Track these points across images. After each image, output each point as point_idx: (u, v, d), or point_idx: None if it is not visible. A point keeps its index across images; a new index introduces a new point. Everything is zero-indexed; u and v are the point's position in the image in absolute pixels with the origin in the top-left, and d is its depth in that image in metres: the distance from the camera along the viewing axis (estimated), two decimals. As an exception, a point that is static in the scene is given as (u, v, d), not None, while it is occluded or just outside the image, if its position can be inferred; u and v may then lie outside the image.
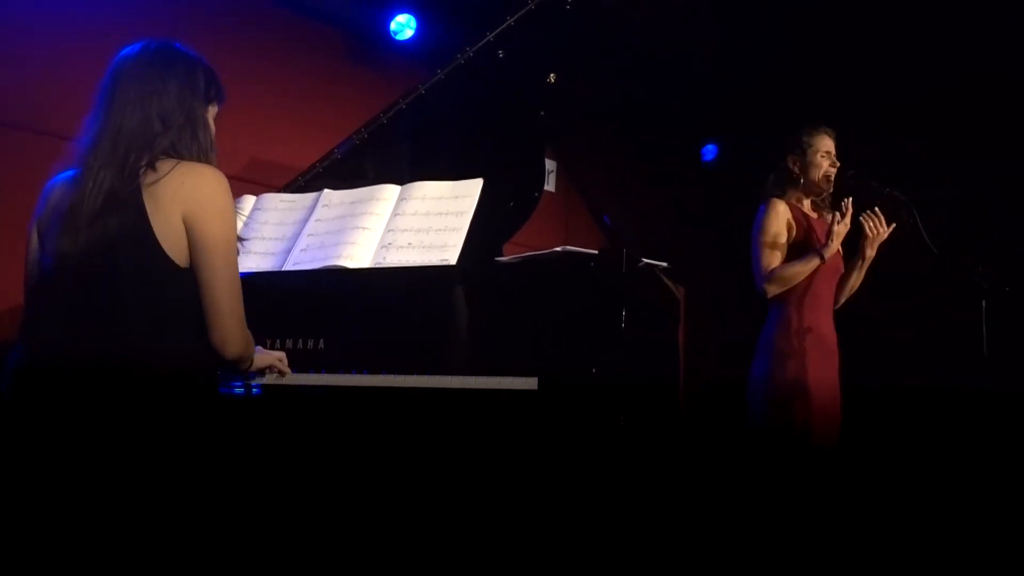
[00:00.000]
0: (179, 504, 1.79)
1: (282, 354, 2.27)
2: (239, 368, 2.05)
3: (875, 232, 3.11)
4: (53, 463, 1.75)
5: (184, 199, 1.83)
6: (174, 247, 1.84)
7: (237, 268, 1.93)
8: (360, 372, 2.35)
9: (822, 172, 3.19)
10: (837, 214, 3.01)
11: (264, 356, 2.22)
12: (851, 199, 3.04)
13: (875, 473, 3.98)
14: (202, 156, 1.92)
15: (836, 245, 3.05)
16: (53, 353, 1.81)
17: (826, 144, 3.21)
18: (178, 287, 1.85)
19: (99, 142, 1.87)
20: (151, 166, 1.84)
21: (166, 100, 1.90)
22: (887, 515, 3.82)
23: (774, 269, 3.08)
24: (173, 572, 1.77)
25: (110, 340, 1.80)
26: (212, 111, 2.02)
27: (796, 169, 3.21)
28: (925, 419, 4.31)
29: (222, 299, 1.88)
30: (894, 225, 3.13)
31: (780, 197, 3.19)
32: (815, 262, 3.04)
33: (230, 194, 1.91)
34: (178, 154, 1.88)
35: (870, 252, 3.17)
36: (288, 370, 2.27)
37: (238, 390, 2.36)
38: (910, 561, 3.61)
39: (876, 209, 3.10)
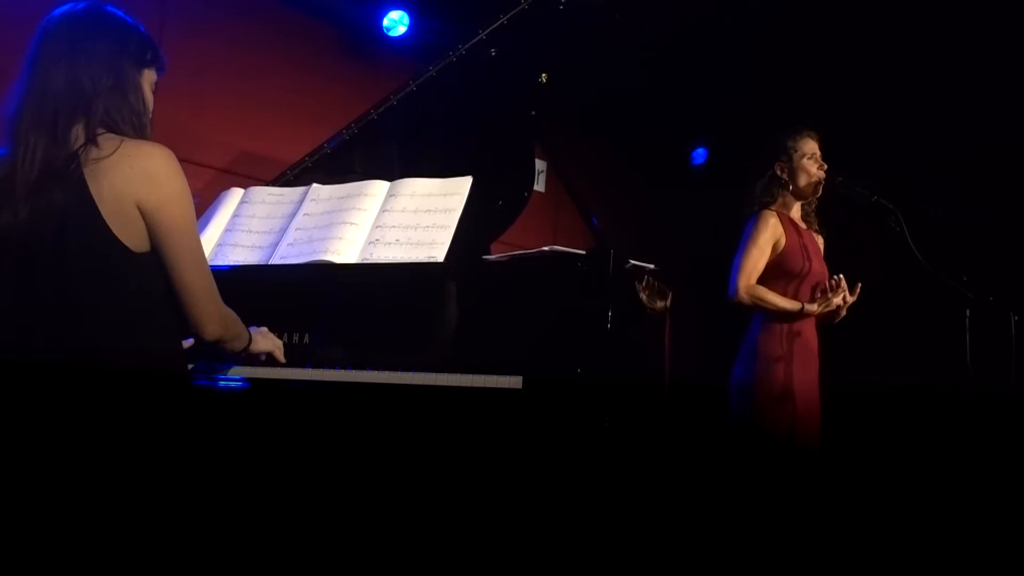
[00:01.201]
0: (146, 507, 1.74)
1: (280, 343, 2.25)
2: (230, 349, 2.01)
3: (845, 303, 3.11)
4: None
5: (137, 186, 1.77)
6: (126, 231, 1.77)
7: (202, 247, 1.89)
8: (345, 368, 2.34)
9: (811, 177, 3.19)
10: (836, 279, 3.02)
11: (266, 339, 2.19)
12: (842, 278, 3.05)
13: (856, 475, 4.00)
14: (136, 123, 1.84)
15: (820, 310, 3.05)
16: None
17: (811, 147, 3.21)
18: (135, 273, 1.80)
19: (25, 105, 1.79)
20: (92, 141, 1.76)
21: (94, 60, 1.81)
22: (869, 517, 3.84)
23: (757, 288, 3.07)
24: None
25: (59, 327, 1.74)
26: (149, 77, 1.93)
27: (785, 176, 3.22)
28: (906, 422, 4.34)
29: (193, 281, 1.84)
30: (859, 287, 3.11)
31: (770, 206, 3.20)
32: (795, 311, 3.04)
33: (182, 172, 1.84)
34: (115, 124, 1.81)
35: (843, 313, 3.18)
36: (283, 359, 2.25)
37: (222, 384, 2.35)
38: (894, 561, 3.63)
39: (844, 294, 3.08)
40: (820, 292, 3.09)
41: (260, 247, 2.68)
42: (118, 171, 1.76)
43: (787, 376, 3.05)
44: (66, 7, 1.89)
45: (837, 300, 3.05)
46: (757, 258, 3.10)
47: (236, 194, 2.88)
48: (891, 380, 4.17)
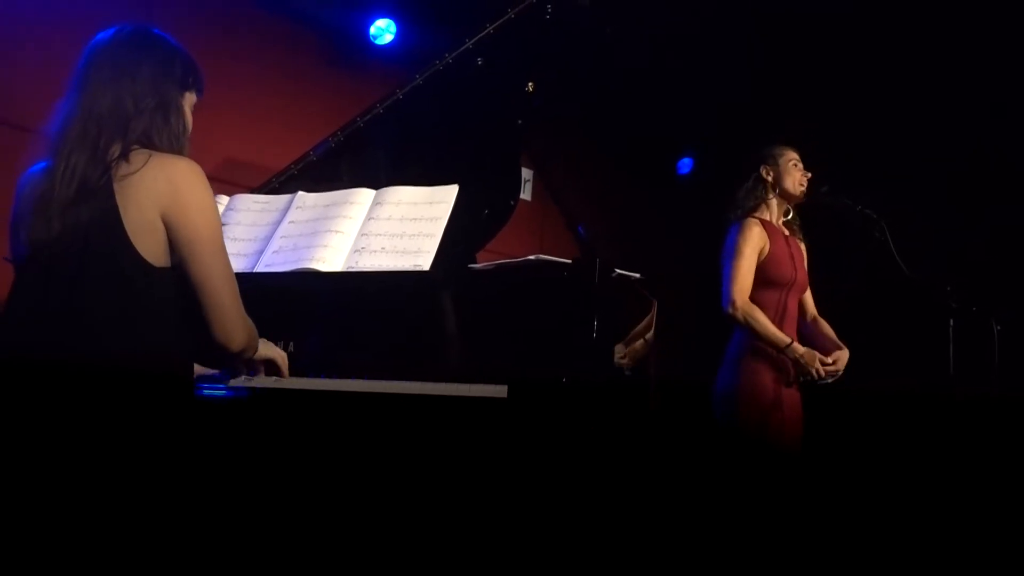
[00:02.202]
0: (146, 512, 1.74)
1: (284, 355, 2.24)
2: (248, 356, 2.03)
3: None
4: (9, 466, 1.69)
5: (161, 197, 1.79)
6: (147, 244, 1.79)
7: (228, 258, 1.90)
8: (329, 376, 2.33)
9: (796, 181, 3.21)
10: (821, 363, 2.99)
11: (268, 348, 2.18)
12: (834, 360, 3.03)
13: (839, 483, 4.01)
14: (174, 143, 1.87)
15: (803, 364, 3.02)
16: (14, 349, 1.75)
17: (795, 155, 3.23)
18: (150, 287, 1.80)
19: (70, 126, 1.82)
20: (124, 157, 1.79)
21: (139, 82, 1.84)
22: (851, 523, 3.85)
23: (753, 308, 3.03)
24: None
25: (72, 337, 1.75)
26: (189, 99, 1.97)
27: (770, 178, 3.22)
28: (890, 431, 4.36)
29: (220, 293, 1.84)
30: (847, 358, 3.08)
31: (754, 211, 3.21)
32: (780, 345, 3.02)
33: (207, 184, 1.86)
34: (151, 142, 1.83)
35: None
36: (287, 373, 2.24)
37: (207, 392, 2.33)
38: (876, 566, 3.64)
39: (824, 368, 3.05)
40: (813, 373, 3.02)
41: (245, 255, 2.67)
42: (143, 183, 1.79)
43: (775, 382, 3.05)
44: (113, 29, 1.91)
45: (823, 373, 3.01)
46: (747, 269, 3.08)
47: (221, 201, 2.86)
48: (875, 388, 4.18)
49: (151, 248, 1.80)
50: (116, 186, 1.78)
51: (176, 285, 1.84)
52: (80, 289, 1.77)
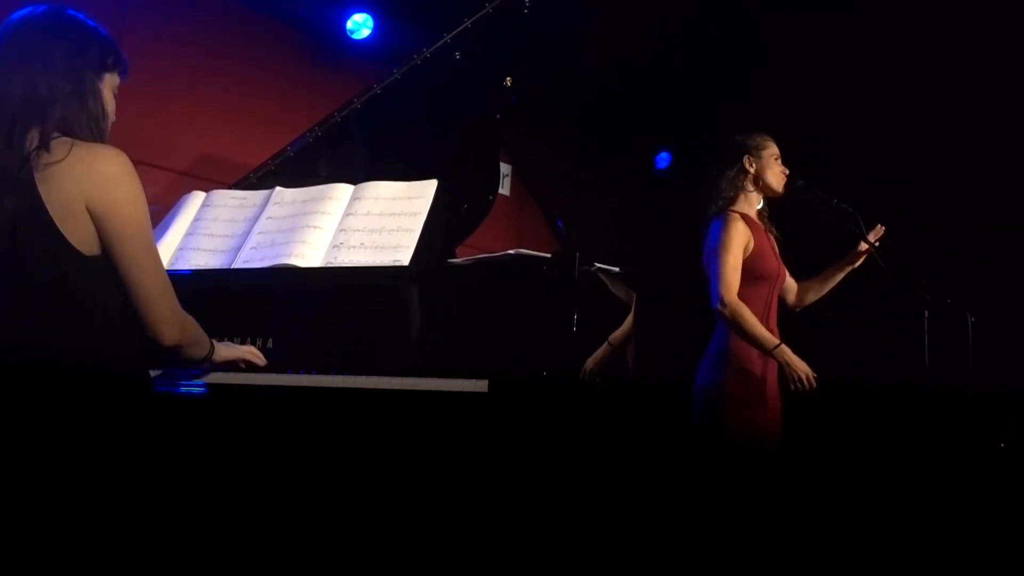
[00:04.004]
0: (107, 516, 1.71)
1: (252, 347, 2.23)
2: (188, 355, 1.97)
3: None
4: None
5: (86, 187, 1.74)
6: (77, 236, 1.75)
7: (157, 250, 1.86)
8: (309, 372, 2.32)
9: (777, 175, 3.19)
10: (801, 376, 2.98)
11: (232, 350, 2.16)
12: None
13: (815, 477, 4.05)
14: (94, 128, 1.82)
15: (791, 368, 2.98)
16: None
17: (775, 148, 3.22)
18: (85, 277, 1.77)
19: None
20: (44, 146, 1.74)
21: (51, 67, 1.78)
22: (828, 518, 3.89)
23: (742, 307, 2.99)
24: None
25: (10, 328, 1.72)
26: (110, 81, 1.90)
27: (753, 170, 3.18)
28: (864, 423, 4.41)
29: (148, 285, 1.80)
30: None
31: (733, 203, 3.18)
32: (768, 346, 2.99)
33: (134, 173, 1.81)
34: (71, 129, 1.78)
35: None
36: (264, 360, 2.23)
37: (183, 389, 2.32)
38: (854, 562, 3.68)
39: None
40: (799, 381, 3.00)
41: (222, 251, 2.66)
42: (68, 174, 1.74)
43: (759, 378, 3.04)
44: (24, 11, 1.85)
45: (808, 385, 2.98)
46: (734, 265, 3.02)
47: (198, 198, 2.84)
48: (850, 381, 4.22)
49: (81, 237, 1.75)
50: (38, 175, 1.73)
51: (112, 273, 1.80)
52: (12, 280, 1.74)
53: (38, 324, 1.74)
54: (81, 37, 1.86)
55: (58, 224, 1.73)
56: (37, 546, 1.67)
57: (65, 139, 1.77)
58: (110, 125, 1.89)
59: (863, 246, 3.18)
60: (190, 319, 1.94)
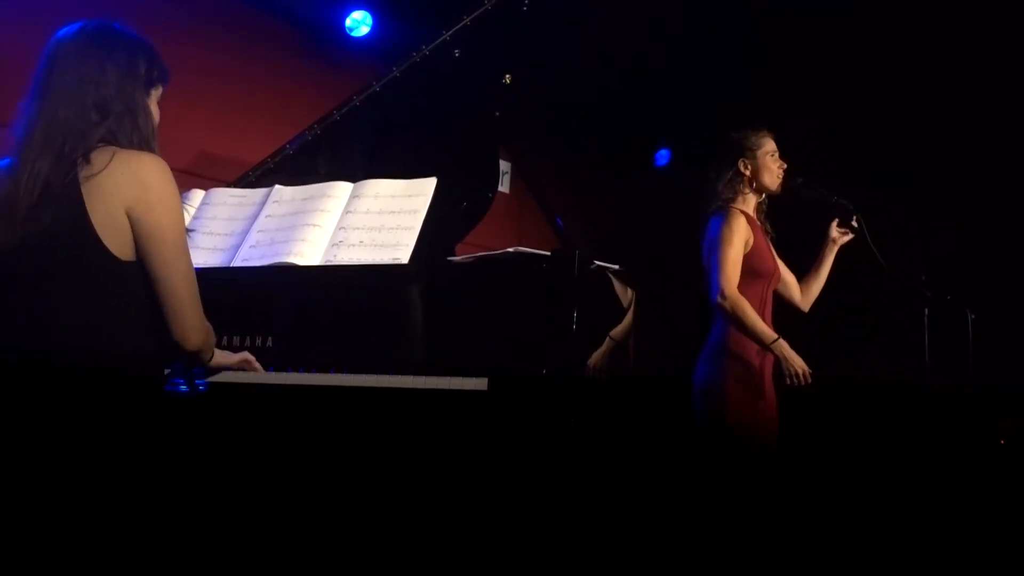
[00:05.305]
0: (120, 510, 1.73)
1: (245, 353, 2.24)
2: (204, 360, 2.01)
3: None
4: None
5: (126, 192, 1.77)
6: (115, 241, 1.78)
7: (190, 257, 1.88)
8: (308, 371, 2.32)
9: (773, 175, 3.19)
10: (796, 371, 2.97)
11: (227, 357, 2.18)
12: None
13: (814, 474, 4.05)
14: (142, 144, 1.85)
15: (787, 363, 2.97)
16: None
17: (772, 145, 3.21)
18: (119, 282, 1.79)
19: (34, 131, 1.79)
20: (86, 158, 1.77)
21: (104, 88, 1.81)
22: (827, 515, 3.89)
23: (742, 301, 2.99)
24: None
25: (42, 339, 1.74)
26: (155, 94, 1.94)
27: (748, 172, 3.19)
28: (864, 419, 4.41)
29: (180, 291, 1.83)
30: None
31: (732, 202, 3.18)
32: (767, 340, 2.97)
33: (173, 181, 1.84)
34: (116, 141, 1.81)
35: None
36: (259, 366, 2.24)
37: (182, 388, 2.32)
38: (853, 560, 3.67)
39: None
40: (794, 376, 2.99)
41: (221, 249, 2.66)
42: (111, 179, 1.77)
43: (759, 374, 3.04)
44: (73, 28, 1.87)
45: (803, 381, 2.97)
46: (734, 260, 3.02)
47: (197, 195, 2.84)
48: (850, 378, 4.22)
49: (118, 243, 1.78)
50: (83, 186, 1.76)
51: (145, 278, 1.83)
52: (47, 290, 1.76)
53: (69, 326, 1.76)
54: (131, 55, 1.88)
55: (99, 231, 1.76)
56: (59, 536, 1.69)
57: (107, 148, 1.80)
58: (155, 135, 1.91)
59: (837, 227, 3.20)
60: (210, 327, 1.96)
